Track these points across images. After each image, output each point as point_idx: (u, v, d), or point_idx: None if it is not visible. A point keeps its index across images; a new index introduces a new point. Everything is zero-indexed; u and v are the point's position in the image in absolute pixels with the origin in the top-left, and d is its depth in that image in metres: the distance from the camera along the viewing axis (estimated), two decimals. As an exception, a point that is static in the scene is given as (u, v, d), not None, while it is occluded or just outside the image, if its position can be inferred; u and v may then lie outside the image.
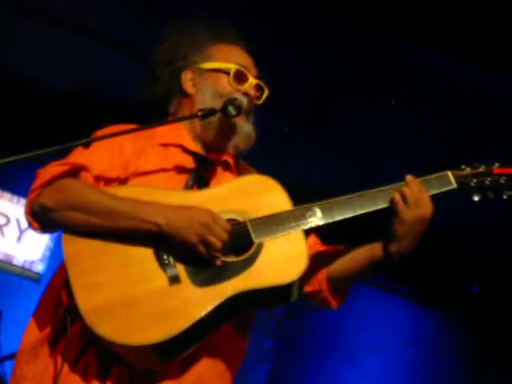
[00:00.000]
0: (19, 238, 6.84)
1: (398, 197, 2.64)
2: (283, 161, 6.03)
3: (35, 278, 6.74)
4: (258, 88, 2.95)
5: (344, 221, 2.67)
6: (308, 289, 2.79)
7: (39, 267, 6.78)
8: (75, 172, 2.62)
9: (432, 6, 4.94)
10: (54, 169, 2.59)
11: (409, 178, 2.68)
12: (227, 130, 2.87)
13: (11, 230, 6.84)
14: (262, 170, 2.92)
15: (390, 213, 2.67)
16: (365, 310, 7.28)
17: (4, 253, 6.76)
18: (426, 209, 2.64)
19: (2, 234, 6.82)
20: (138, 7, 5.46)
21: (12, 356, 5.49)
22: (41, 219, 2.58)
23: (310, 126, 6.37)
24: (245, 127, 2.88)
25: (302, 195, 2.72)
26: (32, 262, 6.79)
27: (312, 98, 6.05)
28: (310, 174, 6.68)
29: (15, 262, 6.77)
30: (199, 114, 2.76)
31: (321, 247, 2.86)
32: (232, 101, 2.79)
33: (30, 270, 6.77)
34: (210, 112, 2.77)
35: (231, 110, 2.76)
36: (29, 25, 5.88)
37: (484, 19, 4.91)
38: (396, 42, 5.32)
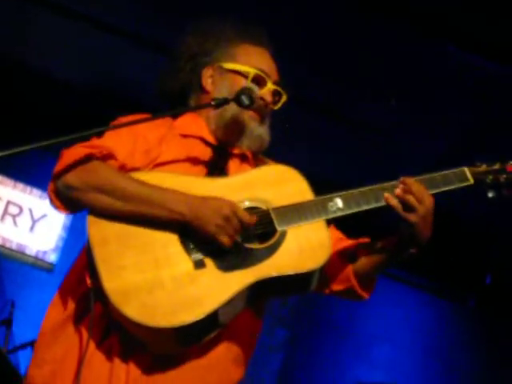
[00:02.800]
0: (32, 228, 6.87)
1: (395, 202, 2.63)
2: (291, 148, 6.04)
3: (48, 268, 6.78)
4: (276, 93, 2.95)
5: (364, 212, 2.70)
6: (338, 287, 2.81)
7: (52, 257, 6.81)
8: (102, 155, 2.61)
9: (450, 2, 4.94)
10: (80, 149, 2.57)
11: (402, 178, 2.68)
12: (238, 127, 2.87)
13: (24, 220, 6.87)
14: (269, 156, 2.96)
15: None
16: (377, 300, 7.22)
17: (17, 243, 6.79)
18: (429, 202, 2.63)
19: (15, 223, 6.85)
20: (156, 2, 5.47)
21: (25, 345, 5.53)
22: (64, 198, 2.57)
23: (320, 114, 6.38)
24: (258, 130, 2.89)
25: (314, 186, 2.73)
26: (45, 252, 6.81)
27: (322, 87, 6.05)
28: (322, 165, 6.68)
29: (28, 251, 6.81)
30: (212, 103, 2.76)
31: (345, 242, 2.85)
32: (245, 90, 2.78)
33: (42, 260, 6.81)
34: (223, 101, 2.76)
35: (244, 99, 2.74)
36: (47, 19, 5.90)
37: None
38: (406, 31, 5.31)
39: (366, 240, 2.82)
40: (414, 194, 2.61)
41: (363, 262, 2.78)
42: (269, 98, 2.90)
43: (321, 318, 7.33)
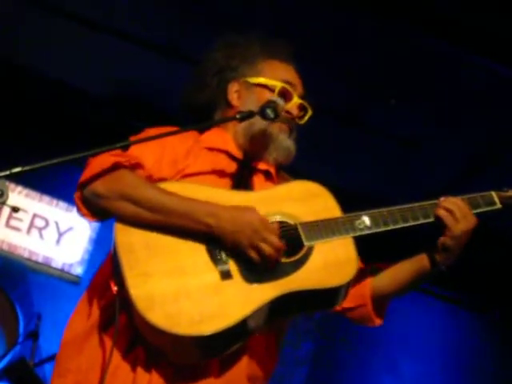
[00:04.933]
0: (58, 241, 6.89)
1: (445, 212, 2.71)
2: (316, 160, 6.03)
3: (74, 281, 6.78)
4: (302, 108, 2.98)
5: (390, 231, 2.73)
6: (348, 304, 2.84)
7: (78, 270, 6.82)
8: (129, 164, 2.63)
9: (470, 5, 4.91)
10: (108, 158, 2.59)
11: (444, 197, 2.76)
12: (266, 140, 2.89)
13: (50, 233, 6.89)
14: (297, 169, 2.96)
15: (436, 227, 2.74)
16: (405, 313, 7.23)
17: (43, 255, 6.81)
18: (473, 220, 2.72)
19: (41, 236, 6.87)
20: (175, 9, 5.47)
21: (51, 358, 5.53)
22: (91, 206, 2.59)
23: (345, 125, 6.36)
24: (287, 142, 2.92)
25: (335, 194, 2.76)
26: (71, 265, 6.83)
27: (347, 97, 6.04)
28: (346, 173, 6.67)
29: (54, 264, 6.82)
30: (238, 116, 2.77)
31: (360, 264, 2.85)
32: (270, 103, 2.79)
33: (69, 273, 6.81)
34: (248, 114, 2.77)
35: (269, 112, 2.75)
36: (64, 27, 5.92)
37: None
38: (432, 42, 5.28)
39: (382, 265, 2.83)
40: (460, 209, 2.70)
41: (384, 282, 2.82)
42: (295, 112, 2.93)
43: (347, 331, 7.29)
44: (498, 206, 2.82)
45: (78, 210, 2.63)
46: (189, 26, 5.39)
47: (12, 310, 6.41)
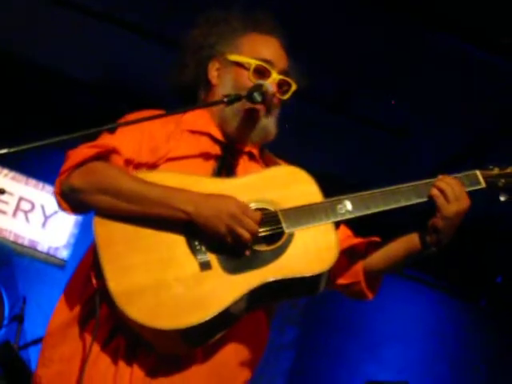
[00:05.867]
0: (44, 224, 6.88)
1: (437, 193, 2.65)
2: (304, 147, 6.02)
3: (60, 265, 6.78)
4: (284, 83, 2.88)
5: (373, 215, 2.68)
6: (343, 281, 2.81)
7: (64, 253, 6.81)
8: (106, 155, 2.60)
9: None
10: (85, 150, 2.57)
11: (441, 176, 2.70)
12: (247, 121, 2.83)
13: (36, 216, 6.88)
14: (281, 156, 2.94)
15: (430, 207, 2.68)
16: (388, 299, 7.26)
17: (29, 239, 6.80)
18: (466, 202, 2.66)
19: (27, 220, 6.86)
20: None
21: (36, 341, 5.53)
22: (70, 200, 2.57)
23: (333, 112, 6.36)
24: (263, 121, 2.83)
25: (323, 183, 2.72)
26: (57, 249, 6.82)
27: (334, 85, 6.03)
28: (333, 160, 6.67)
29: (40, 248, 6.81)
30: (225, 99, 2.72)
31: (354, 240, 2.84)
32: (258, 87, 2.74)
33: (54, 257, 6.81)
34: (236, 98, 2.72)
35: (256, 96, 2.70)
36: (56, 14, 5.89)
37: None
38: (419, 29, 5.29)
39: (377, 239, 2.81)
40: (453, 190, 2.64)
41: (377, 259, 2.77)
42: (274, 88, 2.82)
43: (331, 316, 7.32)
44: (483, 185, 2.73)
45: (58, 204, 2.60)
46: (178, 11, 5.36)
47: (-3, 293, 6.41)
